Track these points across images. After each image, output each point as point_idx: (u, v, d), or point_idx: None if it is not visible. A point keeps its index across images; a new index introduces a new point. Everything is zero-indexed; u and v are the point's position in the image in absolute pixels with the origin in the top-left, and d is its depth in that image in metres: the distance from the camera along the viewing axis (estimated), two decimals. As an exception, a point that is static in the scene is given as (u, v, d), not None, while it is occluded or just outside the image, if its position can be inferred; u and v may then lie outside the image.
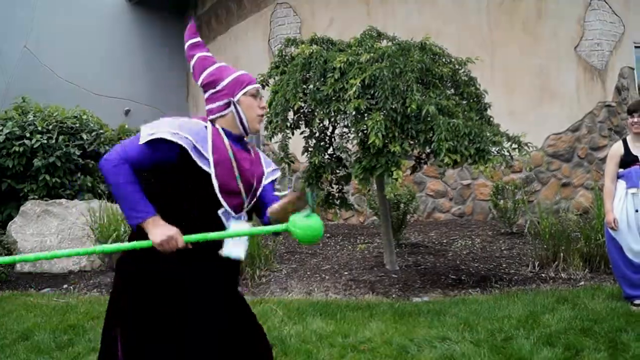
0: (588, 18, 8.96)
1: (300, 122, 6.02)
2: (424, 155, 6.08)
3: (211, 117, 2.38)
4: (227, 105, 2.37)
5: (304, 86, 5.78)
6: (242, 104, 2.39)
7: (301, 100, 5.72)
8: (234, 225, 2.32)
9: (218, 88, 2.38)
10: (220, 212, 2.31)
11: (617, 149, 5.23)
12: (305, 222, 2.23)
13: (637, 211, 5.01)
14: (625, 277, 5.06)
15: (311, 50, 5.80)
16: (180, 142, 2.24)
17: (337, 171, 6.02)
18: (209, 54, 2.51)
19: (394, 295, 5.46)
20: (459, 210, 8.76)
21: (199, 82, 2.42)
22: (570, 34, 8.97)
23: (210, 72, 2.42)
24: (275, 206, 2.33)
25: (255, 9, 10.78)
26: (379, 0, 9.59)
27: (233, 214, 2.34)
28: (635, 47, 9.39)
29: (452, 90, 6.07)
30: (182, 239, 2.21)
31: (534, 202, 8.27)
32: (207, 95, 2.41)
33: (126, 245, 2.26)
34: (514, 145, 5.81)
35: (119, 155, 2.20)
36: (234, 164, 2.32)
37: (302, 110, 5.93)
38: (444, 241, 7.56)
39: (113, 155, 2.21)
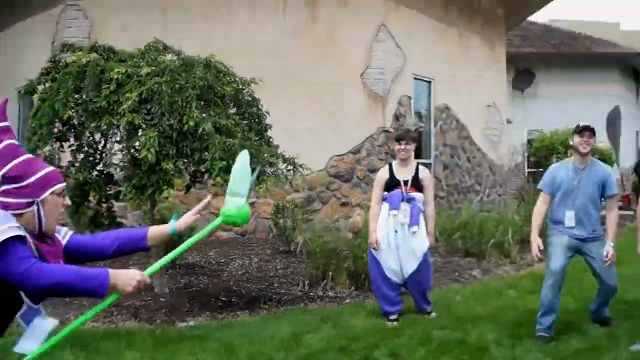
0: (374, 48, 9.55)
1: (69, 135, 5.66)
2: (199, 174, 6.02)
3: (9, 212, 2.15)
4: (29, 204, 2.18)
5: (77, 96, 5.46)
6: (47, 202, 2.21)
7: (72, 110, 5.39)
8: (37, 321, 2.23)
9: (22, 184, 2.17)
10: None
11: (383, 173, 5.61)
12: (235, 209, 2.39)
13: (396, 232, 5.40)
14: (383, 294, 5.43)
15: (88, 59, 5.49)
16: (26, 236, 2.14)
17: (107, 189, 5.74)
18: (17, 142, 2.26)
19: (158, 321, 5.29)
20: (241, 228, 8.82)
21: (2, 172, 2.17)
22: (357, 61, 9.49)
23: (18, 165, 2.19)
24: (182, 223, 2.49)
25: (43, 7, 10.03)
26: (175, 10, 9.44)
27: (34, 307, 2.24)
28: (414, 78, 10.22)
29: (234, 110, 6.12)
30: (146, 276, 2.23)
31: (313, 221, 8.60)
32: (5, 187, 2.18)
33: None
34: (289, 167, 6.00)
35: (26, 264, 2.05)
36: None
37: (71, 122, 5.58)
38: (222, 261, 7.56)
39: (22, 272, 2.04)
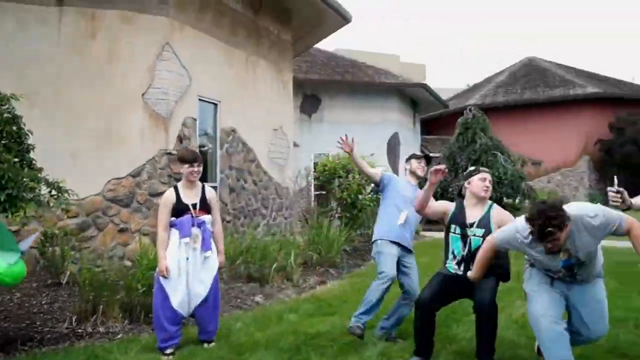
0: (158, 67, 9.35)
1: None
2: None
3: None
4: None
5: None
6: None
7: None
8: None
9: None
10: None
11: (169, 196, 5.43)
12: (5, 266, 2.18)
13: (188, 259, 5.29)
14: (162, 327, 5.26)
15: None
16: None
17: None
18: None
19: None
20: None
21: None
22: (140, 80, 9.22)
23: None
24: None
25: None
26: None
27: None
28: (199, 100, 10.17)
29: (-10, 129, 5.58)
30: None
31: (88, 249, 8.13)
32: None
33: None
34: (53, 192, 5.60)
35: None
36: None
37: None
38: (-24, 298, 6.82)
39: None
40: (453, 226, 5.04)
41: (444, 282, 4.95)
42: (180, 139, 9.50)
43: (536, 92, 30.29)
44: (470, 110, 19.86)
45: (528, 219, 4.03)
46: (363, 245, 12.82)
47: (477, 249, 4.78)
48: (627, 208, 4.30)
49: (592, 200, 27.70)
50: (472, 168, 5.23)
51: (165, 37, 9.40)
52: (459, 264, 4.97)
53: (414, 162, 6.01)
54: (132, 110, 9.10)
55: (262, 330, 6.09)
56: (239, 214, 11.20)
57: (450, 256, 5.04)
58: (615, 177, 4.46)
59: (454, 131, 19.98)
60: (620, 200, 4.26)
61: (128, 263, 7.73)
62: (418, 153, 6.22)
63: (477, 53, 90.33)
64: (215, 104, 10.75)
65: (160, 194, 8.94)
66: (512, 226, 4.43)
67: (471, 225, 4.95)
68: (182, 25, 9.74)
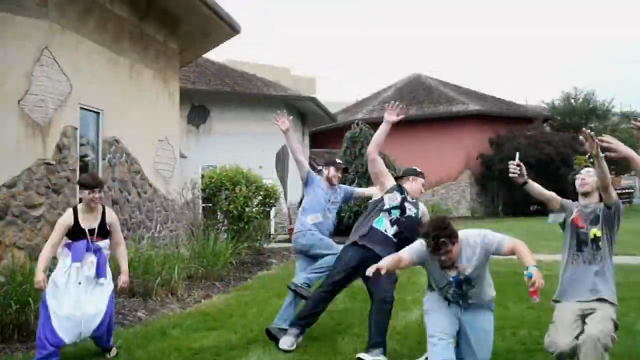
0: (35, 73, 9.04)
1: None
2: None
3: None
4: None
5: None
6: None
7: None
8: None
9: None
10: None
11: (66, 219, 5.33)
12: None
13: (80, 283, 5.20)
14: (42, 346, 5.14)
15: None
16: None
17: None
18: None
19: None
20: None
21: None
22: (16, 86, 8.88)
23: None
24: None
25: None
26: None
27: None
28: (81, 108, 9.93)
29: None
30: None
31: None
32: None
33: None
34: None
35: None
36: None
37: None
38: None
39: None
40: (395, 192, 5.61)
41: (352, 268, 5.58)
42: (59, 148, 9.24)
43: (421, 109, 31.65)
44: (357, 124, 20.51)
45: (423, 234, 4.47)
46: (250, 258, 12.93)
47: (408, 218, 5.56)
48: (524, 183, 4.76)
49: (473, 213, 29.31)
50: (417, 169, 5.87)
51: (44, 41, 9.12)
52: (392, 222, 5.53)
53: (332, 170, 6.44)
54: (6, 118, 8.74)
55: (144, 347, 6.06)
56: (122, 227, 10.96)
57: (385, 213, 5.56)
58: (517, 152, 4.94)
59: (342, 145, 20.55)
60: (518, 172, 4.72)
61: (1, 279, 7.41)
62: (339, 161, 6.64)
63: (367, 67, 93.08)
64: (98, 113, 10.53)
65: (37, 206, 8.68)
66: (417, 241, 4.82)
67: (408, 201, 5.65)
68: (62, 29, 9.50)
